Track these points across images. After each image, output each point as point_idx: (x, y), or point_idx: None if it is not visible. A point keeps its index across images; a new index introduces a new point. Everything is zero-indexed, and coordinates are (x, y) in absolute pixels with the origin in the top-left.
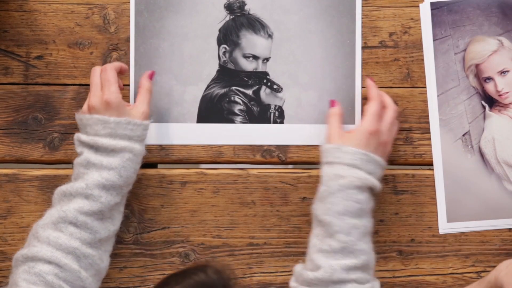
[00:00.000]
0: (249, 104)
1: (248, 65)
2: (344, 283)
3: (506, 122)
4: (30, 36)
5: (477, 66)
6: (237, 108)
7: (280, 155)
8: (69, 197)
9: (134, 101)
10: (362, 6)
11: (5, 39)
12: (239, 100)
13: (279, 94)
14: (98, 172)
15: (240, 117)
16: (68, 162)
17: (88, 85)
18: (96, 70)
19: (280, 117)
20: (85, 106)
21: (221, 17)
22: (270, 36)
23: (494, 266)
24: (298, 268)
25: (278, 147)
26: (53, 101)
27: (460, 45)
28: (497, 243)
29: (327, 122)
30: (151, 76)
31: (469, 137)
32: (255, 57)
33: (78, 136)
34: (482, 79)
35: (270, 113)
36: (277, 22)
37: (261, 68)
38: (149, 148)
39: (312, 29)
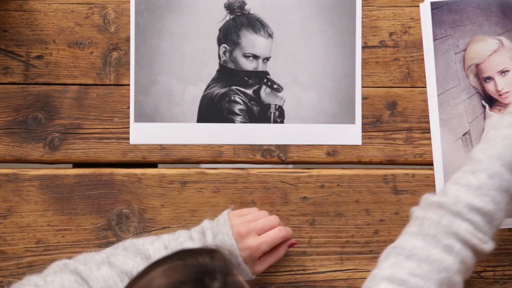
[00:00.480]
0: (249, 104)
1: (248, 65)
2: (461, 218)
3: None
4: (30, 36)
5: (477, 65)
6: (237, 108)
7: (280, 154)
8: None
9: (134, 102)
10: (362, 6)
11: (5, 38)
12: (239, 100)
13: (279, 94)
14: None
15: (240, 116)
16: (68, 162)
17: (88, 84)
18: (276, 219)
19: (280, 117)
20: (238, 221)
21: (221, 16)
22: (270, 35)
23: (494, 266)
24: (426, 195)
25: (278, 146)
26: (53, 101)
27: (460, 45)
28: (497, 243)
29: None
30: (291, 246)
31: (469, 137)
32: (255, 57)
33: (208, 230)
34: (482, 78)
35: (270, 112)
36: (277, 22)
37: (261, 67)
38: (149, 148)
39: (312, 28)
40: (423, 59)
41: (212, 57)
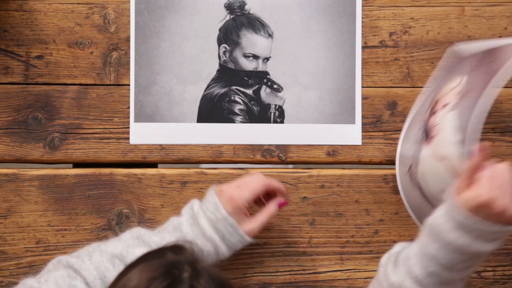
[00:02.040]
0: (249, 104)
1: (248, 65)
2: None
3: (427, 155)
4: (30, 36)
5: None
6: (237, 108)
7: (280, 154)
8: (140, 242)
9: (134, 102)
10: (362, 6)
11: (5, 38)
12: (239, 100)
13: (279, 94)
14: (177, 240)
15: (240, 116)
16: (68, 162)
17: (88, 84)
18: (257, 175)
19: (280, 117)
20: (219, 186)
21: (221, 16)
22: (270, 35)
23: (494, 266)
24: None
25: (278, 146)
26: (53, 101)
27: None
28: None
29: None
30: (281, 205)
31: (412, 170)
32: (255, 57)
33: (194, 202)
34: (432, 112)
35: (270, 112)
36: (277, 22)
37: (261, 67)
38: (149, 148)
39: (312, 28)
40: (423, 59)
41: (212, 57)
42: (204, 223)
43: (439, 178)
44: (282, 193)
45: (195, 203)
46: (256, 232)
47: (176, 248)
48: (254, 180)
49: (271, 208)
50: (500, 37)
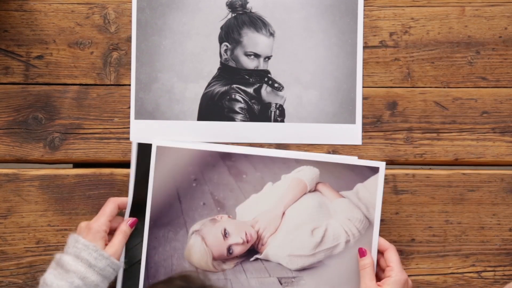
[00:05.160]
0: (250, 102)
1: (250, 63)
2: None
3: (276, 241)
4: (31, 36)
5: (214, 259)
6: (237, 106)
7: None
8: None
9: (135, 99)
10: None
11: (6, 38)
12: (240, 98)
13: (280, 93)
14: None
15: (241, 115)
16: (68, 162)
17: (88, 84)
18: (109, 202)
19: (280, 116)
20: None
21: (223, 15)
22: (271, 34)
23: (495, 266)
24: None
25: (278, 146)
26: (54, 101)
27: None
28: (498, 243)
29: (360, 275)
30: (132, 225)
31: (285, 279)
32: (257, 55)
33: (57, 253)
34: (229, 256)
35: (271, 111)
36: (279, 21)
37: (262, 66)
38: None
39: (313, 28)
40: (423, 59)
41: (214, 55)
42: (68, 261)
43: (296, 232)
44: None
45: (56, 253)
46: (119, 253)
47: (184, 277)
48: (106, 204)
49: (123, 228)
50: (500, 37)
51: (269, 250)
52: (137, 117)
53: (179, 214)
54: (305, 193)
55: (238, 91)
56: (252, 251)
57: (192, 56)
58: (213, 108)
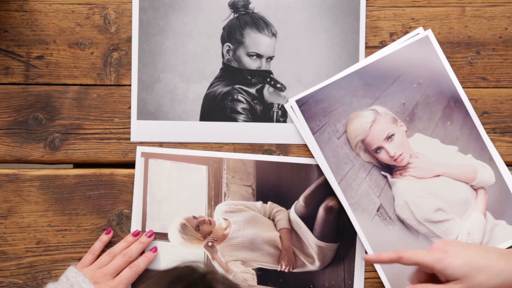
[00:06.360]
0: (252, 103)
1: (252, 64)
2: None
3: (412, 183)
4: (31, 36)
5: (363, 141)
6: (240, 107)
7: (281, 155)
8: None
9: (136, 103)
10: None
11: (6, 39)
12: (242, 99)
13: (282, 93)
14: None
15: (243, 115)
16: (69, 162)
17: (88, 85)
18: (124, 258)
19: (283, 116)
20: (89, 272)
21: (225, 15)
22: (274, 34)
23: None
24: None
25: (279, 146)
26: (54, 101)
27: (339, 129)
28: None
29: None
30: (150, 259)
31: (384, 210)
32: (259, 56)
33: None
34: (372, 151)
35: (273, 112)
36: (281, 21)
37: (264, 66)
38: (149, 147)
39: (316, 28)
40: None
41: (216, 55)
42: None
43: (430, 199)
44: (143, 266)
45: None
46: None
47: (188, 267)
48: (131, 275)
49: (142, 264)
50: (501, 37)
51: (399, 183)
52: (139, 117)
53: (384, 88)
54: (466, 183)
55: (240, 92)
56: (388, 168)
57: (195, 56)
58: (215, 108)
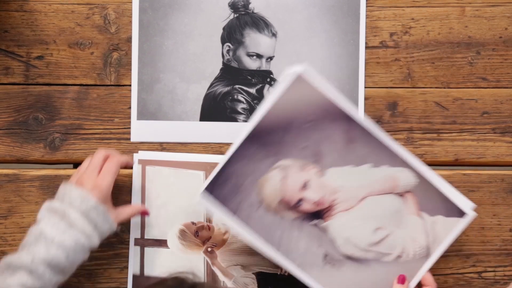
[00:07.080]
0: (252, 103)
1: (252, 64)
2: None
3: (343, 218)
4: (31, 36)
5: (281, 202)
6: (240, 107)
7: None
8: (13, 269)
9: (137, 103)
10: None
11: (6, 39)
12: (242, 99)
13: None
14: (46, 248)
15: (243, 115)
16: (69, 162)
17: (88, 85)
18: (101, 153)
19: None
20: (73, 179)
21: (225, 15)
22: (274, 35)
23: (495, 267)
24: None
25: None
26: (54, 101)
27: (254, 200)
28: (498, 243)
29: None
30: (144, 213)
31: (330, 256)
32: (259, 56)
33: (51, 203)
34: (294, 207)
35: None
36: (281, 21)
37: (264, 67)
38: (149, 148)
39: (316, 28)
40: (423, 60)
41: (216, 55)
42: (76, 217)
43: (365, 223)
44: (130, 164)
45: (52, 203)
46: (119, 221)
47: (176, 279)
48: (113, 165)
49: (138, 207)
50: (501, 37)
51: (332, 224)
52: (139, 117)
53: (280, 141)
54: (391, 193)
55: (240, 92)
56: (315, 215)
57: (194, 56)
58: (215, 108)
